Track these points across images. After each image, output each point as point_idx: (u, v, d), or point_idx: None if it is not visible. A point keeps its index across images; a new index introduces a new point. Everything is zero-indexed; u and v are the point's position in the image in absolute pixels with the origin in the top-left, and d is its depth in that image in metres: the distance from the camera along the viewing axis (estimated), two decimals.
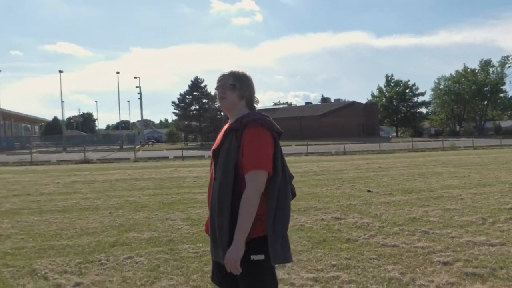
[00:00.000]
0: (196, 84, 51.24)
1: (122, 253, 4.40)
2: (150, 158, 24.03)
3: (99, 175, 13.64)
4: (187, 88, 51.16)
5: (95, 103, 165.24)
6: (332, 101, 72.58)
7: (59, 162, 22.63)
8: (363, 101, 69.83)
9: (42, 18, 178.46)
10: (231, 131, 1.94)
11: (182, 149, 24.98)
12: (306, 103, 77.66)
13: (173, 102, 51.56)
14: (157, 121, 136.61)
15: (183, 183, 10.74)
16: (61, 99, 49.58)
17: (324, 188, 9.20)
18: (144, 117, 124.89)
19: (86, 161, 22.49)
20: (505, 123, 71.15)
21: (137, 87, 47.38)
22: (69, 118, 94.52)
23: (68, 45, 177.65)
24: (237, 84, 2.00)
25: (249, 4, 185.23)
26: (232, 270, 1.81)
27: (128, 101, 58.97)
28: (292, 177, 2.05)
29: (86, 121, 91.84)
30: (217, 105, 52.73)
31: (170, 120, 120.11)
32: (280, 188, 1.90)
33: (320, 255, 4.14)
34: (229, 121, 2.06)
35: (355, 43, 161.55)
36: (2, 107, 43.74)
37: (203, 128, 50.96)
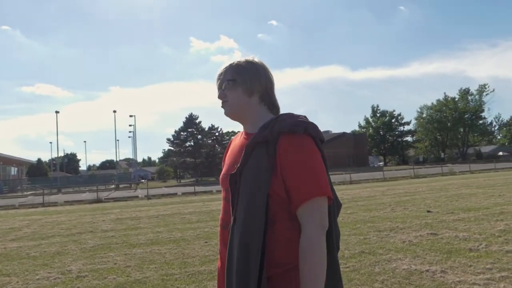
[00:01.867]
0: (190, 121, 52.17)
1: None
2: (162, 195, 24.08)
3: (135, 212, 13.75)
4: (179, 125, 52.23)
5: (84, 143, 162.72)
6: None
7: (71, 202, 22.41)
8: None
9: (20, 60, 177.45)
10: (257, 145, 1.32)
11: (194, 185, 25.24)
12: None
13: (168, 139, 52.22)
14: (139, 160, 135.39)
15: None
16: (57, 140, 49.54)
17: (380, 211, 9.71)
18: (127, 156, 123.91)
19: (99, 200, 22.37)
20: (484, 149, 74.12)
21: (130, 125, 47.69)
22: (52, 159, 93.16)
23: (47, 86, 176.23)
24: (238, 77, 1.42)
25: (227, 42, 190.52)
26: None
27: (118, 140, 58.68)
28: (340, 205, 1.49)
29: (69, 161, 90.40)
30: (210, 141, 53.35)
31: (153, 158, 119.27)
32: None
33: (465, 261, 4.62)
34: (244, 131, 1.50)
35: (332, 76, 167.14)
36: None
37: (198, 164, 51.21)
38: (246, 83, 1.42)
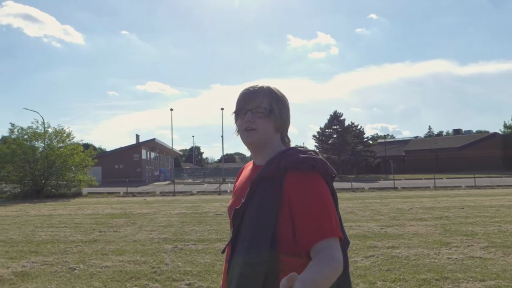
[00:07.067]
0: (335, 117, 55.00)
1: None
2: None
3: None
4: (325, 121, 56.13)
5: (192, 137, 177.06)
6: (463, 132, 70.98)
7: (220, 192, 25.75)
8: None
9: (134, 61, 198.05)
10: (262, 181, 1.30)
11: (351, 181, 27.04)
12: (437, 134, 78.83)
13: (314, 136, 56.29)
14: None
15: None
16: (171, 135, 56.57)
17: None
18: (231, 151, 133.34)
19: None
20: None
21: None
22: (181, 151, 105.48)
23: (157, 84, 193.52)
24: (276, 108, 1.40)
25: (325, 38, 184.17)
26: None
27: (222, 136, 60.43)
28: (348, 243, 1.40)
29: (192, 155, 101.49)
30: (353, 139, 53.65)
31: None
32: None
33: None
34: (253, 162, 1.48)
35: (436, 71, 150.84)
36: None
37: (343, 161, 53.04)
38: (279, 118, 1.39)
